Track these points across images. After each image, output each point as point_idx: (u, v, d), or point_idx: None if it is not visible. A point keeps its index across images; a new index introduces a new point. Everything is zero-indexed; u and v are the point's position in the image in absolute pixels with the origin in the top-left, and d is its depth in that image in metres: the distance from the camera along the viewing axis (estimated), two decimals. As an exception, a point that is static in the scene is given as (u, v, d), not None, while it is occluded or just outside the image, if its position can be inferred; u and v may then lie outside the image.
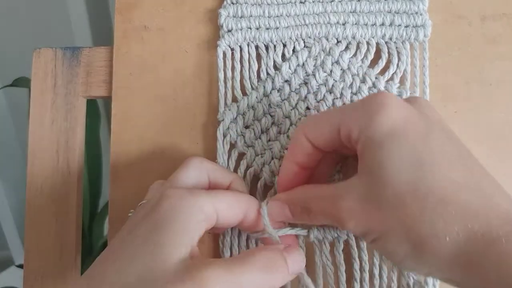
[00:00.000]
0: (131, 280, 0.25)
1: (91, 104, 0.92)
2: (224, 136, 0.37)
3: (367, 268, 0.36)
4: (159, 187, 0.32)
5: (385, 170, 0.25)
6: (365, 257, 0.36)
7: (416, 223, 0.24)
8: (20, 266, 1.17)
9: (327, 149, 0.30)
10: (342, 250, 0.36)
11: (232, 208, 0.30)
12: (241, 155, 0.38)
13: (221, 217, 0.30)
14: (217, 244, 0.37)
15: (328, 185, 0.30)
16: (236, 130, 0.37)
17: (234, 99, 0.38)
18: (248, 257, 0.27)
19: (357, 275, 0.36)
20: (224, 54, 0.39)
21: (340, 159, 0.35)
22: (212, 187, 0.33)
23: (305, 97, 0.38)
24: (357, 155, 0.28)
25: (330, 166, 0.34)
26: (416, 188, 0.25)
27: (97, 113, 0.94)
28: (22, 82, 0.93)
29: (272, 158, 0.37)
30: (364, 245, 0.36)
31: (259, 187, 0.37)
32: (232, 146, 0.38)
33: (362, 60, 0.38)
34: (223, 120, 0.37)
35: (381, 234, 0.26)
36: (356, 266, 0.36)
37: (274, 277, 0.28)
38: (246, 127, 0.38)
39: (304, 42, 0.38)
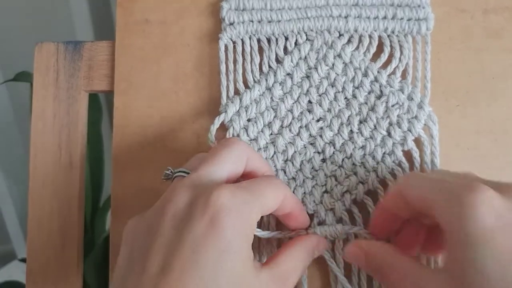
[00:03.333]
0: None
1: (93, 98, 0.92)
2: (227, 128, 0.38)
3: None
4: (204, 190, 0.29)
5: (476, 277, 0.25)
6: None
7: None
8: (23, 260, 1.18)
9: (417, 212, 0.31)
10: (342, 249, 0.36)
11: (271, 208, 0.31)
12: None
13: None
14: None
15: (414, 262, 0.29)
16: (239, 123, 0.37)
17: (236, 92, 0.38)
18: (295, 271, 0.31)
19: (355, 269, 0.36)
20: (226, 47, 0.39)
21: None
22: (245, 174, 0.33)
23: (307, 90, 0.38)
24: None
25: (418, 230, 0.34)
26: None
27: (98, 107, 0.94)
28: (24, 77, 0.93)
29: (275, 153, 0.37)
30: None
31: None
32: None
33: (364, 53, 0.38)
34: (225, 112, 0.37)
35: None
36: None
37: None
38: (249, 120, 0.38)
39: (306, 35, 0.38)
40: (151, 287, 0.25)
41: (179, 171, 0.31)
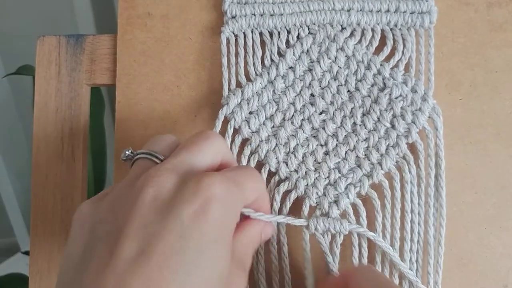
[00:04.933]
0: None
1: (95, 92, 0.92)
2: (228, 120, 0.38)
3: (366, 255, 0.36)
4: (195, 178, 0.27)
5: None
6: (365, 245, 0.36)
7: None
8: (26, 253, 1.18)
9: None
10: (341, 244, 0.36)
11: (250, 200, 0.30)
12: (244, 141, 0.38)
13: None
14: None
15: None
16: (241, 115, 0.37)
17: (238, 85, 0.38)
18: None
19: (356, 262, 0.36)
20: (228, 40, 0.39)
21: None
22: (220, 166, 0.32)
23: (310, 84, 0.38)
24: None
25: None
26: None
27: (101, 100, 0.94)
28: (26, 70, 0.93)
29: (277, 145, 0.37)
30: (365, 241, 0.36)
31: (263, 173, 0.37)
32: (236, 131, 0.38)
33: (367, 46, 0.38)
34: (227, 104, 0.37)
35: None
36: (356, 253, 0.36)
37: None
38: (250, 112, 0.38)
39: (308, 28, 0.38)
40: (123, 273, 0.23)
41: (144, 153, 0.29)
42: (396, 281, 0.36)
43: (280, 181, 0.37)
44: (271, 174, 0.37)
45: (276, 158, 0.37)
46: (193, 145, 0.29)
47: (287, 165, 0.37)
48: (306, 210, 0.36)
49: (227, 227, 0.26)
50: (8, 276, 0.99)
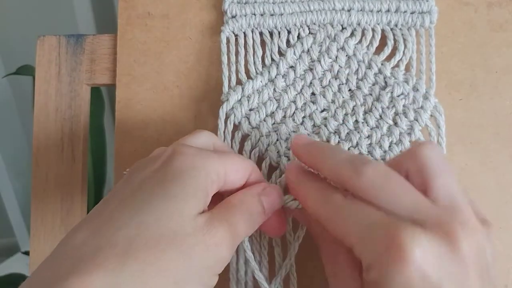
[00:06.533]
0: (151, 231, 0.25)
1: (95, 92, 0.92)
2: (228, 116, 0.37)
3: None
4: (164, 149, 0.30)
5: None
6: None
7: None
8: (26, 253, 1.18)
9: None
10: None
11: (239, 170, 0.30)
12: (244, 137, 0.37)
13: (228, 179, 0.30)
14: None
15: None
16: (241, 112, 0.37)
17: (239, 83, 0.38)
18: (235, 209, 0.29)
19: None
20: (228, 40, 0.39)
21: None
22: None
23: (311, 82, 0.38)
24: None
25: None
26: None
27: (101, 100, 0.94)
28: (26, 70, 0.94)
29: (278, 140, 0.37)
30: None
31: (263, 168, 0.37)
32: (236, 127, 0.38)
33: (367, 46, 0.38)
34: (227, 100, 0.37)
35: None
36: None
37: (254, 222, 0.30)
38: (251, 109, 0.38)
39: (309, 28, 0.38)
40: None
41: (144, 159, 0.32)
42: None
43: (282, 175, 0.37)
44: (272, 169, 0.37)
45: (278, 152, 0.37)
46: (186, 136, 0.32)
47: (288, 159, 0.37)
48: None
49: (189, 177, 0.27)
50: (8, 276, 0.99)
